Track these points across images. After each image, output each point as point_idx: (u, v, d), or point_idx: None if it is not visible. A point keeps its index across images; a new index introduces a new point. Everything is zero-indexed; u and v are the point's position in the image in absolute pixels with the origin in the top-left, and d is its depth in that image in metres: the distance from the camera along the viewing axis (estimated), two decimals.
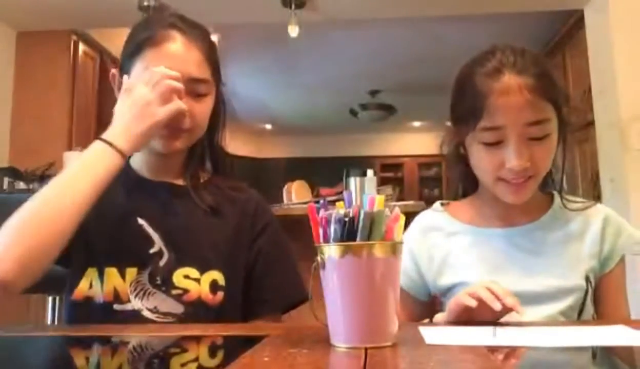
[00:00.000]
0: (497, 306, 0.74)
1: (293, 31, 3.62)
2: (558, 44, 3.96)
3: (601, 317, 0.97)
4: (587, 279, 0.94)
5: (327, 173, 4.04)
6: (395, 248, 0.62)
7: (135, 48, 0.96)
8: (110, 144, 0.86)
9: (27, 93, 3.68)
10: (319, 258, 0.63)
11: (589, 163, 3.47)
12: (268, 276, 1.02)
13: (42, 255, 0.79)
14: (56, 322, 1.55)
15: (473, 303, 0.76)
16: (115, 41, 3.87)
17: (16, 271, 0.76)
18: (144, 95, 0.89)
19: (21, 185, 3.19)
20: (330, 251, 0.62)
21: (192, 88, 0.96)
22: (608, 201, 3.12)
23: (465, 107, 0.93)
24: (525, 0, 3.49)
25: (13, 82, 3.70)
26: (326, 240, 0.63)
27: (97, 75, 4.01)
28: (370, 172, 2.50)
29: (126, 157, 0.88)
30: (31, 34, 3.72)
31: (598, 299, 0.98)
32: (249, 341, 0.66)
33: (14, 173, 3.26)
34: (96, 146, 0.87)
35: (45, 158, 3.28)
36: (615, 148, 3.13)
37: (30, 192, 1.52)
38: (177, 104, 0.90)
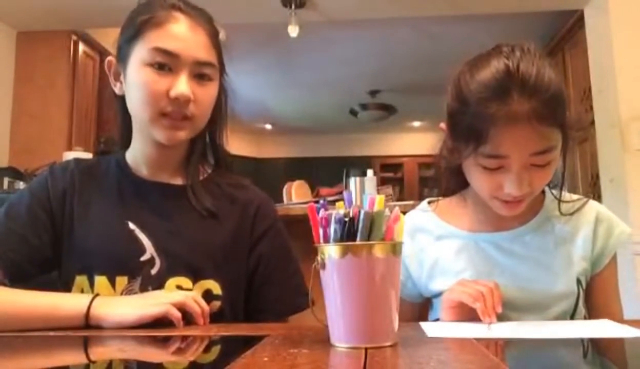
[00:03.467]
0: (485, 321, 0.77)
1: (293, 31, 3.62)
2: (558, 44, 3.96)
3: (593, 317, 0.96)
4: (579, 282, 0.93)
5: (327, 173, 4.05)
6: (395, 248, 0.62)
7: (135, 31, 0.91)
8: (89, 308, 0.81)
9: (27, 93, 3.67)
10: (319, 258, 0.63)
11: (589, 163, 3.47)
12: (269, 285, 0.99)
13: None
14: None
15: (474, 304, 0.78)
16: None
17: None
18: (157, 294, 0.87)
19: (21, 184, 3.18)
20: (330, 251, 0.62)
21: (197, 71, 0.91)
22: (608, 201, 3.12)
23: (465, 125, 0.85)
24: (525, 0, 3.49)
25: (13, 81, 3.69)
26: (326, 240, 0.63)
27: (97, 75, 4.00)
28: (370, 172, 2.50)
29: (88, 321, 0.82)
30: (31, 34, 3.72)
31: (590, 299, 0.97)
32: (249, 341, 0.66)
33: (14, 173, 3.26)
34: (81, 300, 0.83)
35: (45, 158, 3.26)
36: (615, 148, 3.12)
37: None
38: (167, 307, 0.81)
